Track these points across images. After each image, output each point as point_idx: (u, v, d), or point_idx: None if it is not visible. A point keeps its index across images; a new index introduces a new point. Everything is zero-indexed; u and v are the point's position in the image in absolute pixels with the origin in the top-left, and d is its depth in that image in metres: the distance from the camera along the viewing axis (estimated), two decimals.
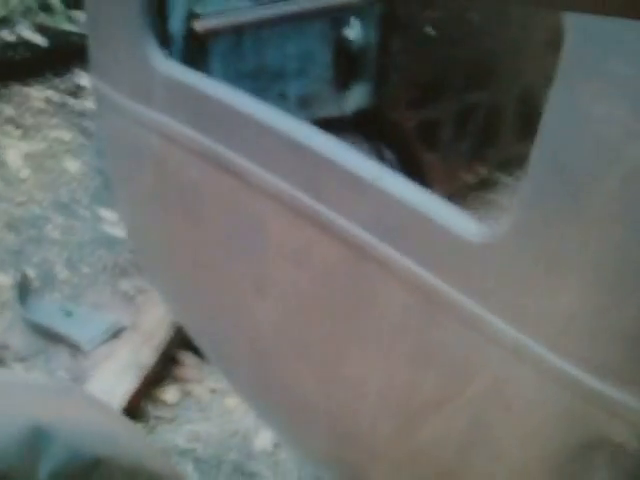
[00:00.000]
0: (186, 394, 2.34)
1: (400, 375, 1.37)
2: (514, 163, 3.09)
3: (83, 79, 3.76)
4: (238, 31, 2.23)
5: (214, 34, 2.12)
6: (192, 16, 2.07)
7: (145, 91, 1.70)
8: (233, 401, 2.31)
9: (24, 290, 2.55)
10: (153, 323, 2.47)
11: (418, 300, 1.26)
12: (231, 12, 2.26)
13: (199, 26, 2.06)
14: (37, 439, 0.97)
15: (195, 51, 2.07)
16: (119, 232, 2.89)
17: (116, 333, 2.48)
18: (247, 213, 1.55)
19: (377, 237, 1.28)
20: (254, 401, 1.94)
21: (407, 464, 1.47)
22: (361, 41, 2.60)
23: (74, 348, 2.43)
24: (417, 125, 2.84)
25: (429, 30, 2.76)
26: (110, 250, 2.84)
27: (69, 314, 2.53)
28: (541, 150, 1.00)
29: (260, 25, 2.30)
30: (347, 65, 2.62)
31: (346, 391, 1.51)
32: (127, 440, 1.22)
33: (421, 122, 2.84)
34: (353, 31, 2.58)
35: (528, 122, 3.04)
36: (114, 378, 2.27)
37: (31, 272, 2.68)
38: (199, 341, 2.08)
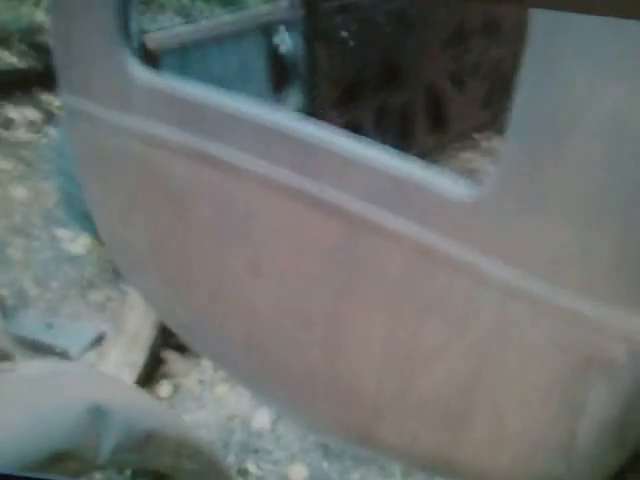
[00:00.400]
0: (177, 387, 2.51)
1: (403, 329, 1.53)
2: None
3: (12, 112, 3.87)
4: (184, 47, 2.43)
5: (163, 49, 2.30)
6: (143, 32, 2.26)
7: (124, 99, 1.79)
8: (223, 388, 2.50)
9: (2, 308, 2.67)
10: (136, 325, 2.64)
11: (416, 257, 1.42)
12: (177, 30, 2.49)
13: (149, 42, 2.25)
14: (97, 419, 1.08)
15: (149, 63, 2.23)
16: (78, 249, 3.04)
17: (99, 339, 2.64)
18: (237, 202, 1.68)
19: (374, 204, 1.43)
20: (252, 383, 2.06)
21: (413, 415, 1.62)
22: (291, 51, 2.87)
23: (62, 356, 2.57)
24: (345, 123, 3.11)
25: (347, 38, 3.05)
26: (73, 265, 2.99)
27: (50, 326, 2.67)
28: (519, 112, 1.21)
29: (202, 42, 2.53)
30: (280, 72, 2.87)
31: (350, 354, 1.65)
32: (168, 416, 1.39)
33: (348, 120, 3.11)
34: (283, 43, 2.86)
35: (438, 113, 3.43)
36: None
37: (3, 292, 2.79)
38: (188, 336, 2.21)
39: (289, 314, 1.71)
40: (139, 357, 2.54)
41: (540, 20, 1.13)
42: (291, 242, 1.62)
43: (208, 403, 2.45)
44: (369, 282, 1.52)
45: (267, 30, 2.78)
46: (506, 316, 1.35)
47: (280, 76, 2.88)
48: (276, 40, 2.82)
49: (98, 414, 1.08)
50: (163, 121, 1.72)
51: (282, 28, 2.82)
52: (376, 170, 1.43)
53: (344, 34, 3.02)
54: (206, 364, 2.53)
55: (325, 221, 1.52)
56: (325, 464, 2.19)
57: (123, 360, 2.52)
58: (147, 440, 1.16)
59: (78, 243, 3.06)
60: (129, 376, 2.46)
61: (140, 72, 1.76)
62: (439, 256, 1.38)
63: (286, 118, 1.57)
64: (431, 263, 1.40)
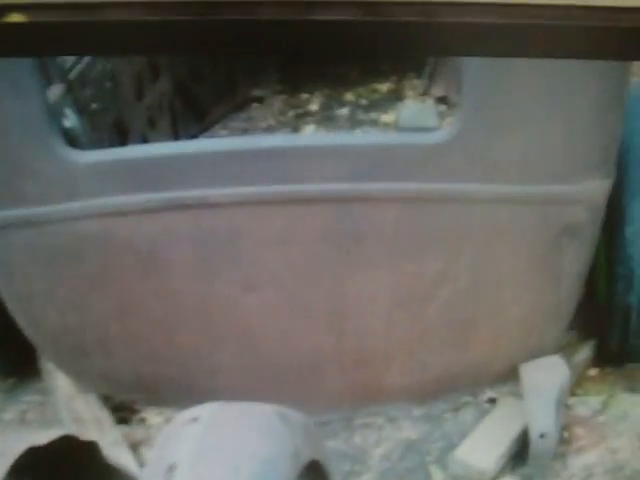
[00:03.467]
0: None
1: (406, 273, 1.71)
2: None
3: None
4: None
5: None
6: None
7: (68, 188, 1.72)
8: None
9: None
10: (91, 411, 2.22)
11: (407, 207, 1.64)
12: None
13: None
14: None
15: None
16: None
17: None
18: (216, 233, 1.72)
19: (355, 180, 1.61)
20: (249, 394, 2.03)
21: (422, 346, 1.81)
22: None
23: None
24: None
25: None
26: None
27: None
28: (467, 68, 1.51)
29: None
30: None
31: (358, 319, 1.78)
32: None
33: None
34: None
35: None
36: None
37: None
38: (158, 391, 2.07)
39: (290, 311, 1.80)
40: (116, 435, 2.16)
41: None
42: (282, 245, 1.71)
43: None
44: (367, 248, 1.69)
45: None
46: (492, 222, 1.66)
47: None
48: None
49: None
50: (118, 191, 1.71)
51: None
52: (346, 150, 1.62)
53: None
54: (155, 422, 2.21)
55: (311, 213, 1.66)
56: None
57: (105, 444, 2.23)
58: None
59: None
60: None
61: (76, 154, 1.73)
62: (428, 197, 1.61)
63: (234, 140, 1.72)
64: (423, 206, 1.63)
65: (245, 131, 3.87)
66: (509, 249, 1.73)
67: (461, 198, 1.65)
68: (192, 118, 3.70)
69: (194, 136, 3.63)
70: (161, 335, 1.90)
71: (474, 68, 1.52)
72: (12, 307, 2.00)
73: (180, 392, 2.00)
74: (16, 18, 0.55)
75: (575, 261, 1.79)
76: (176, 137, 3.43)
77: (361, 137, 1.72)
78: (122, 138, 2.72)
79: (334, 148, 1.65)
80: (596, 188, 1.71)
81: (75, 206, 1.74)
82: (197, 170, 1.66)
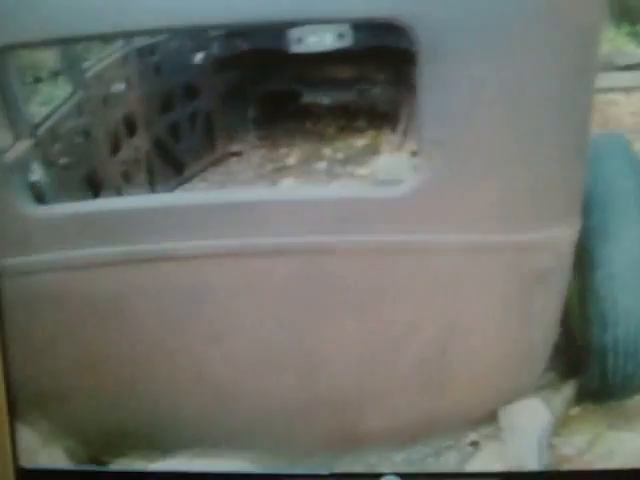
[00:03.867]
0: None
1: (375, 324, 1.72)
2: None
3: None
4: None
5: None
6: None
7: (26, 242, 1.72)
8: None
9: None
10: None
11: (373, 259, 1.65)
12: None
13: None
14: None
15: None
16: None
17: None
18: (180, 286, 1.71)
19: (321, 233, 1.63)
20: (220, 445, 1.97)
21: (395, 397, 1.80)
22: None
23: None
24: None
25: None
26: None
27: None
28: (426, 117, 1.54)
29: None
30: None
31: (327, 369, 1.76)
32: None
33: None
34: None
35: None
36: None
37: None
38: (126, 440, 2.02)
39: (258, 363, 1.79)
40: None
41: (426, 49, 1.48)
42: (249, 297, 1.71)
43: None
44: (335, 299, 1.70)
45: None
46: (461, 271, 1.67)
47: None
48: None
49: None
50: (76, 245, 1.70)
51: None
52: (311, 203, 1.64)
53: None
54: None
55: (277, 265, 1.66)
56: None
57: None
58: None
59: None
60: None
61: (33, 209, 1.72)
62: (394, 248, 1.63)
63: (197, 194, 1.74)
64: (389, 257, 1.65)
65: (223, 184, 3.92)
66: (479, 297, 1.74)
67: (427, 249, 1.67)
68: (170, 172, 3.74)
69: (172, 190, 3.68)
70: (124, 387, 1.86)
71: (435, 120, 1.55)
72: None
73: (146, 443, 1.97)
74: None
75: (547, 306, 1.80)
76: (153, 191, 3.47)
77: (327, 190, 1.75)
78: (95, 193, 2.75)
79: (299, 202, 1.67)
80: (563, 234, 1.72)
81: (30, 260, 1.72)
82: (159, 223, 1.66)
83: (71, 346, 1.82)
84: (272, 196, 1.77)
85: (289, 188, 1.74)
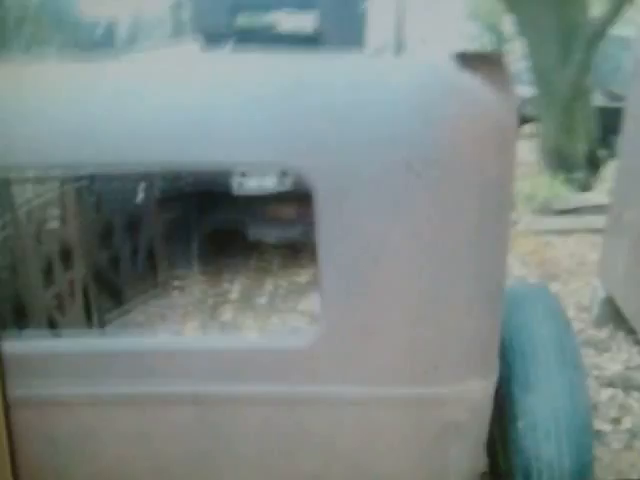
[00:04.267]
0: None
1: (280, 474, 1.70)
2: None
3: None
4: None
5: None
6: None
7: None
8: None
9: None
10: None
11: (274, 410, 1.63)
12: None
13: None
14: None
15: None
16: None
17: None
18: (69, 431, 1.68)
19: (221, 382, 1.60)
20: None
21: None
22: None
23: None
24: None
25: None
26: None
27: None
28: (327, 271, 1.51)
29: None
30: None
31: None
32: None
33: None
34: None
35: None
36: None
37: None
38: None
39: None
40: None
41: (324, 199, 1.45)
42: (140, 444, 1.68)
43: None
44: (234, 448, 1.66)
45: None
46: (367, 422, 1.64)
47: None
48: None
49: None
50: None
51: None
52: (208, 352, 1.61)
53: None
54: None
55: (169, 413, 1.63)
56: None
57: None
58: None
59: None
60: None
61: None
62: (296, 399, 1.60)
63: (89, 341, 1.73)
64: (292, 408, 1.61)
65: (164, 317, 3.88)
66: (388, 447, 1.69)
67: (331, 400, 1.62)
68: (110, 303, 3.70)
69: (110, 321, 3.62)
70: None
71: (335, 272, 1.51)
72: None
73: None
74: None
75: (462, 457, 1.75)
76: (90, 323, 3.40)
77: (226, 340, 1.72)
78: (22, 326, 2.69)
79: (194, 351, 1.64)
80: (477, 387, 1.68)
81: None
82: (47, 368, 1.62)
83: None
84: (166, 344, 1.70)
85: (184, 337, 1.71)
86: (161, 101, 1.50)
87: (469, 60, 1.45)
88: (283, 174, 3.57)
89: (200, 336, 1.69)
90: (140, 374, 1.60)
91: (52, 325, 2.98)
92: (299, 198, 3.70)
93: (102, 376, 1.60)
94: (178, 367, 1.61)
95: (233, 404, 1.62)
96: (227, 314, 3.81)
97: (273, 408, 1.63)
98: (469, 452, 1.77)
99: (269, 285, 4.04)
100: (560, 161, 6.17)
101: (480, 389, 1.68)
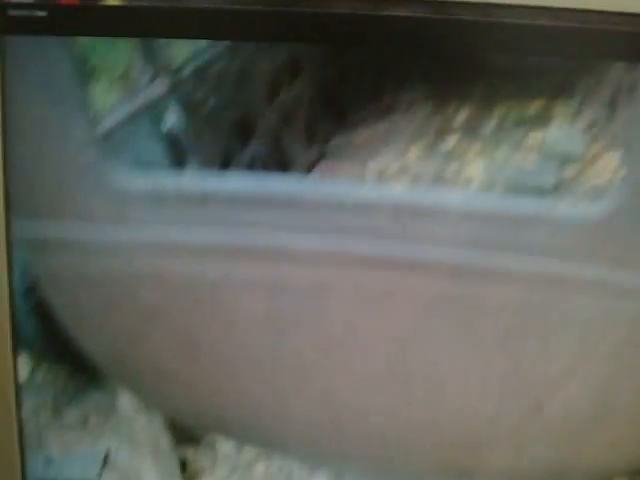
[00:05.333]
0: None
1: (525, 362, 1.53)
2: None
3: None
4: None
5: None
6: None
7: (117, 217, 1.59)
8: (260, 467, 2.29)
9: None
10: (148, 431, 2.36)
11: (534, 288, 1.45)
12: None
13: None
14: None
15: None
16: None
17: (106, 457, 2.40)
18: (299, 288, 1.58)
19: (479, 249, 1.44)
20: (325, 457, 2.01)
21: (535, 439, 1.57)
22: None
23: None
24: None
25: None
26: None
27: (49, 461, 2.40)
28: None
29: None
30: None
31: (459, 404, 1.58)
32: None
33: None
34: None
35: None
36: None
37: None
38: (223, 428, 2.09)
39: (377, 379, 1.65)
40: (172, 465, 2.28)
41: None
42: (377, 310, 1.57)
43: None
44: (480, 326, 1.45)
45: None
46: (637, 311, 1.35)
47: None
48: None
49: None
50: (178, 225, 1.61)
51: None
52: (477, 215, 1.42)
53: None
54: (224, 449, 2.26)
55: (416, 279, 1.51)
56: None
57: (158, 472, 2.27)
58: None
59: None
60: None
61: (129, 180, 1.59)
62: (562, 281, 1.33)
63: (332, 186, 1.57)
64: (554, 290, 1.36)
65: (386, 141, 3.78)
66: None
67: (607, 288, 1.39)
68: (332, 121, 3.62)
69: (329, 140, 3.58)
70: (225, 379, 1.78)
71: None
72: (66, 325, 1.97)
73: (246, 429, 1.93)
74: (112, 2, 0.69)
75: None
76: (310, 142, 3.37)
77: (499, 201, 1.50)
78: (244, 140, 2.66)
79: (457, 211, 1.45)
80: None
81: (123, 238, 1.59)
82: (281, 215, 1.47)
83: (170, 329, 1.76)
84: (424, 200, 1.52)
85: (444, 193, 1.51)
86: None
87: None
88: None
89: (462, 194, 1.50)
90: (381, 231, 1.47)
91: (276, 142, 2.97)
92: None
93: (341, 229, 1.49)
94: (427, 227, 1.45)
95: (491, 276, 1.47)
96: (450, 142, 3.61)
97: (534, 286, 1.47)
98: None
99: (497, 113, 3.75)
100: None
101: None
